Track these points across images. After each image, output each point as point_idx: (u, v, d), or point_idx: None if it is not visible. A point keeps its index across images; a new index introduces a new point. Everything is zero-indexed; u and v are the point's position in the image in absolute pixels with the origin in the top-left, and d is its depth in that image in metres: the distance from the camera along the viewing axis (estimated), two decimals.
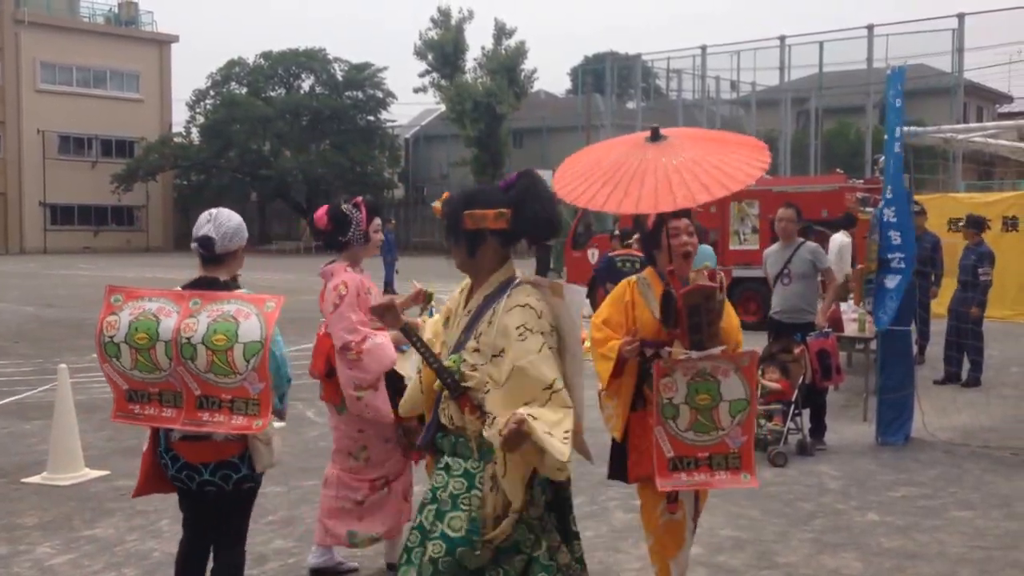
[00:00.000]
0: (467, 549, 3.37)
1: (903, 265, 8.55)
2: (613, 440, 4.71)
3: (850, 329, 10.41)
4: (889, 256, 8.61)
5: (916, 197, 12.03)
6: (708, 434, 4.23)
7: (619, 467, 4.73)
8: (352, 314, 5.24)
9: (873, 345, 9.57)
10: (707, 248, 14.05)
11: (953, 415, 9.96)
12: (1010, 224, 18.07)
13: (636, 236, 14.92)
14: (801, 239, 8.82)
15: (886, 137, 8.74)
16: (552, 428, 3.22)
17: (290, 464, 7.91)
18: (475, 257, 3.52)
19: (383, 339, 5.29)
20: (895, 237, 8.59)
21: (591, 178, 4.28)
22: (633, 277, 4.71)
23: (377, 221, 5.51)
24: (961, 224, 11.81)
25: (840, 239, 13.04)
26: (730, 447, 4.26)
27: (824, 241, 12.49)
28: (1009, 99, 50.46)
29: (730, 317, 4.53)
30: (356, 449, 5.50)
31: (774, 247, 8.93)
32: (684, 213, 4.47)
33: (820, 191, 17.09)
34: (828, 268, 8.77)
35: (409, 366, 5.20)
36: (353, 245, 5.46)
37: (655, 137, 4.39)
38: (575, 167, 4.45)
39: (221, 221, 4.36)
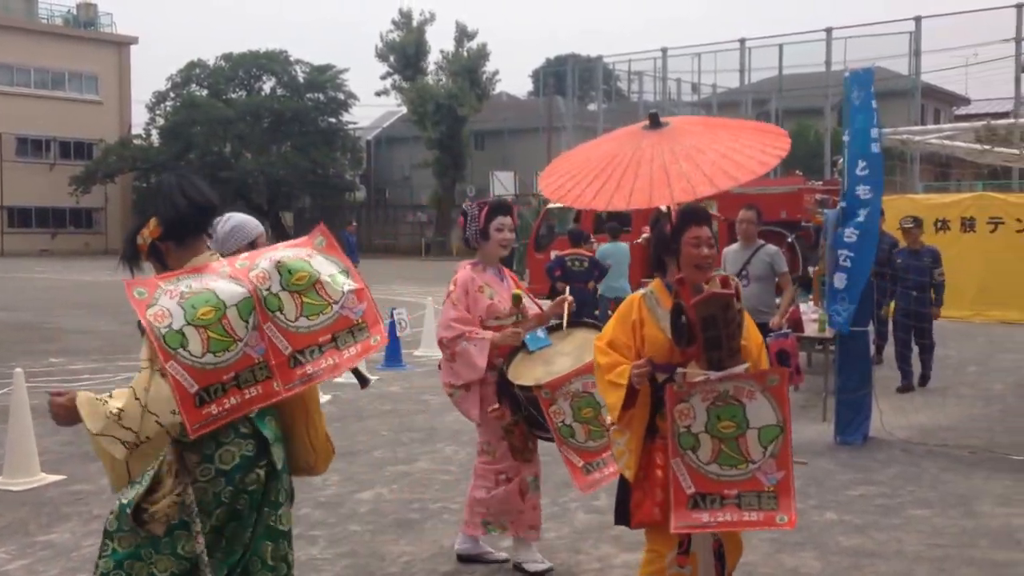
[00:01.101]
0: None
1: (850, 264, 8.62)
2: (621, 478, 4.11)
3: (810, 330, 10.49)
4: (838, 252, 8.68)
5: None
6: (736, 468, 3.68)
7: (622, 507, 4.09)
8: (451, 310, 5.41)
9: (832, 345, 9.64)
10: (622, 246, 14.12)
11: (911, 414, 10.06)
12: (968, 225, 18.39)
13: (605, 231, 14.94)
14: (761, 241, 8.88)
15: (845, 138, 8.78)
16: (103, 405, 3.24)
17: None
18: (169, 267, 3.61)
19: (479, 344, 5.33)
20: (849, 235, 8.63)
21: (580, 175, 3.88)
22: (640, 292, 4.11)
23: (500, 220, 5.49)
24: (908, 224, 11.65)
25: None
26: (764, 484, 3.68)
27: (781, 243, 12.57)
28: (966, 101, 51.11)
29: (750, 330, 4.01)
30: (484, 443, 5.64)
31: (734, 247, 8.98)
32: (706, 221, 3.94)
33: (780, 192, 17.22)
34: (785, 272, 8.83)
35: (539, 372, 5.23)
36: (473, 242, 5.59)
37: (654, 123, 3.94)
38: (565, 165, 4.09)
39: (218, 228, 4.58)
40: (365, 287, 3.50)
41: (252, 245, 4.61)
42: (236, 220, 4.67)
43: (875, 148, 8.60)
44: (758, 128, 4.10)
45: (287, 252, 3.49)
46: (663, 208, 3.92)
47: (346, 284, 3.45)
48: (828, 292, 8.81)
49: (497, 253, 5.59)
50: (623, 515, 4.09)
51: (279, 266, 3.39)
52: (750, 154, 3.74)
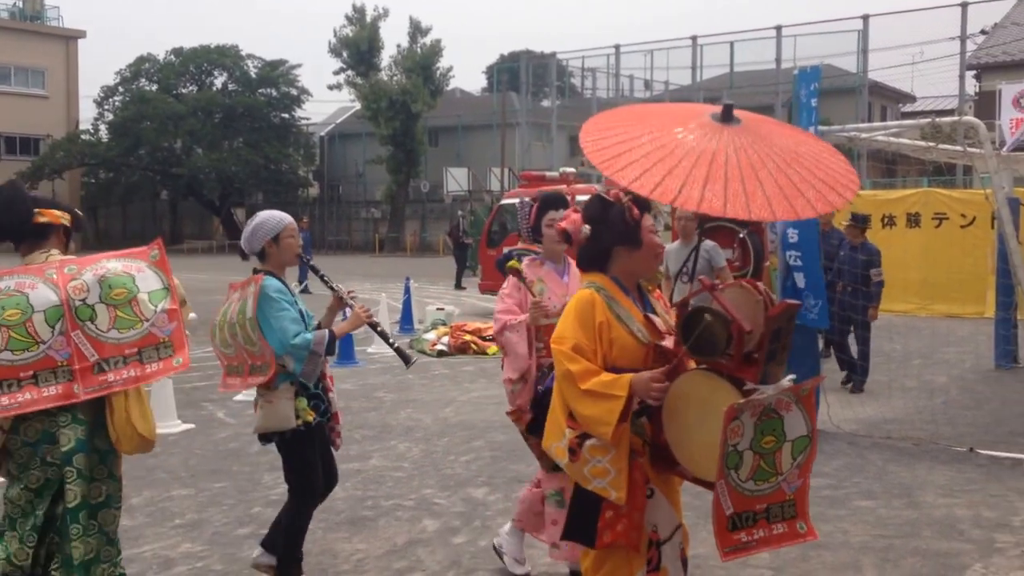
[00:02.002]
0: None
1: (800, 263, 8.72)
2: (578, 489, 3.69)
3: None
4: (786, 254, 8.79)
5: None
6: (768, 481, 3.51)
7: (583, 524, 3.68)
8: (499, 304, 5.36)
9: None
10: None
11: (857, 407, 10.20)
12: (913, 220, 18.69)
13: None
14: (700, 238, 9.00)
15: None
16: None
17: (198, 467, 7.83)
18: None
19: (518, 330, 5.17)
20: (792, 235, 8.76)
21: (681, 172, 3.30)
22: (590, 288, 3.70)
23: (551, 214, 5.30)
24: (846, 223, 11.74)
25: None
26: (786, 494, 3.57)
27: (732, 239, 12.63)
28: (912, 99, 51.79)
29: None
30: None
31: (674, 245, 9.07)
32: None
33: None
34: (723, 267, 8.91)
35: None
36: (528, 240, 5.55)
37: (727, 117, 3.53)
38: (633, 151, 3.40)
39: (247, 226, 4.96)
40: (179, 308, 3.85)
41: (276, 240, 4.92)
42: (258, 219, 4.96)
43: None
44: (807, 134, 3.91)
45: (116, 265, 3.83)
46: (609, 196, 3.73)
47: (160, 304, 3.81)
48: (787, 290, 8.85)
49: (554, 248, 5.37)
50: (580, 531, 3.71)
51: (102, 281, 3.74)
52: (840, 164, 3.54)
